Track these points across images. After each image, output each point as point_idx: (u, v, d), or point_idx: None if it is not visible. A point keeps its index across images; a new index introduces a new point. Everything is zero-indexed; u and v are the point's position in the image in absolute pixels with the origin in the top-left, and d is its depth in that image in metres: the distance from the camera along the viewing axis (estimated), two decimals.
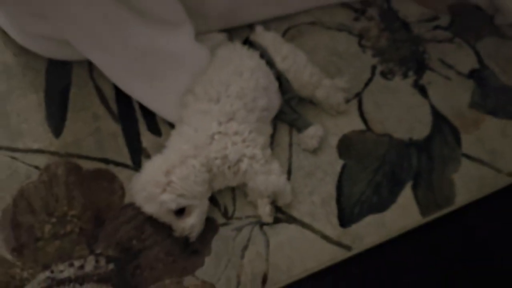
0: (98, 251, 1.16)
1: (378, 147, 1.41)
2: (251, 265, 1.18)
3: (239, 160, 1.20)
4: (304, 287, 1.20)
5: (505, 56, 1.66)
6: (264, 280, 1.17)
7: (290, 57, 1.38)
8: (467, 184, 1.38)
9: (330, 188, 1.32)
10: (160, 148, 1.25)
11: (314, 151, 1.37)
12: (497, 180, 1.40)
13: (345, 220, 1.28)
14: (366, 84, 1.54)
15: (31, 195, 1.20)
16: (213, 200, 1.25)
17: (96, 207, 1.21)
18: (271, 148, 1.33)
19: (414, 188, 1.35)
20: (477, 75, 1.61)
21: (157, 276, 1.14)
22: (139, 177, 1.16)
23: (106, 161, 1.28)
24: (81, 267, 1.13)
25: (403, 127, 1.46)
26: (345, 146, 1.40)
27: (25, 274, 1.11)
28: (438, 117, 1.49)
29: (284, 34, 1.60)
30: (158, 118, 1.37)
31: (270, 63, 1.35)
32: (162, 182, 1.11)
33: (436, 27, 1.72)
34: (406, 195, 1.34)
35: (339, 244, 1.24)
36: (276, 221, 1.25)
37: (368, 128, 1.44)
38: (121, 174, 1.27)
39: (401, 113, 1.49)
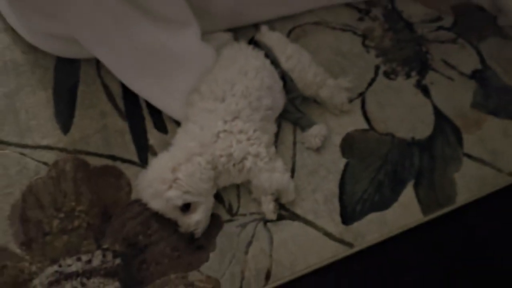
0: (105, 246, 1.18)
1: (381, 146, 1.42)
2: (255, 261, 1.20)
3: (243, 158, 1.21)
4: (306, 283, 1.22)
5: (508, 56, 1.67)
6: (268, 276, 1.19)
7: (294, 57, 1.39)
8: (468, 184, 1.39)
9: (333, 186, 1.34)
10: (166, 145, 1.26)
11: (318, 150, 1.38)
12: (498, 179, 1.41)
13: (347, 217, 1.30)
14: (370, 84, 1.55)
15: (40, 191, 1.22)
16: (218, 197, 1.26)
17: (103, 203, 1.23)
18: (275, 146, 1.34)
19: (416, 187, 1.37)
20: (480, 76, 1.62)
21: (162, 271, 1.16)
22: (145, 173, 1.18)
23: (113, 157, 1.29)
24: (89, 261, 1.15)
25: (405, 127, 1.47)
26: (348, 145, 1.41)
27: (33, 268, 1.13)
28: (440, 117, 1.50)
29: (288, 34, 1.61)
30: (165, 116, 1.38)
31: (275, 63, 1.36)
32: (168, 179, 1.13)
33: (439, 28, 1.73)
34: (408, 194, 1.35)
35: (341, 241, 1.26)
36: (280, 218, 1.27)
37: (371, 128, 1.45)
38: (128, 170, 1.28)
39: (403, 112, 1.50)
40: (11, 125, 1.30)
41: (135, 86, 1.34)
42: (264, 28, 1.50)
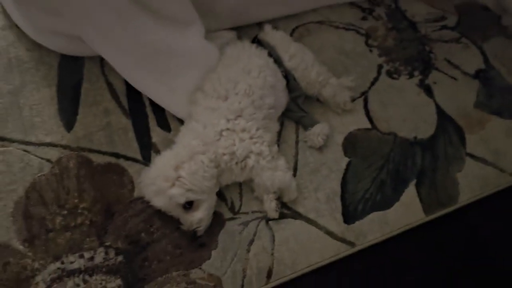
0: (107, 243, 1.18)
1: (383, 146, 1.43)
2: (256, 259, 1.20)
3: (246, 156, 1.21)
4: (308, 282, 1.22)
5: None
6: (269, 274, 1.19)
7: (297, 56, 1.40)
8: (471, 183, 1.39)
9: (335, 185, 1.34)
10: (169, 143, 1.27)
11: (320, 149, 1.38)
12: (500, 179, 1.41)
13: (349, 216, 1.30)
14: (372, 83, 1.55)
15: (43, 188, 1.22)
16: (220, 195, 1.26)
17: (106, 200, 1.23)
18: (278, 145, 1.34)
19: (418, 186, 1.37)
20: (483, 75, 1.62)
21: (164, 269, 1.16)
22: (148, 171, 1.18)
23: (116, 155, 1.30)
24: (91, 258, 1.16)
25: (408, 126, 1.47)
26: (351, 144, 1.41)
27: (36, 265, 1.13)
28: (443, 117, 1.51)
29: (292, 33, 1.61)
30: (168, 114, 1.38)
31: (278, 62, 1.37)
32: (171, 177, 1.13)
33: (443, 27, 1.73)
34: (410, 193, 1.36)
35: (343, 240, 1.26)
36: (282, 216, 1.27)
37: (374, 127, 1.45)
38: (131, 168, 1.28)
39: (406, 112, 1.50)
40: (15, 122, 1.30)
41: (139, 84, 1.35)
42: (267, 27, 1.50)
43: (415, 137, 1.45)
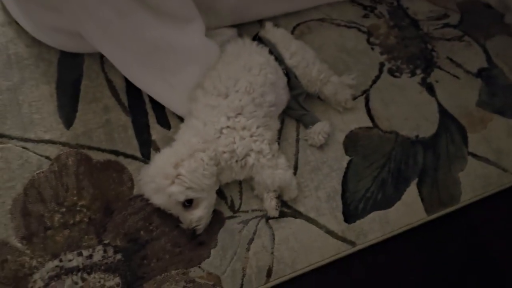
0: (106, 241, 1.17)
1: (385, 144, 1.42)
2: (256, 258, 1.20)
3: (246, 154, 1.21)
4: (308, 281, 1.21)
5: None
6: (269, 273, 1.18)
7: (298, 54, 1.39)
8: (473, 183, 1.38)
9: (335, 183, 1.33)
10: (169, 141, 1.26)
11: (321, 147, 1.38)
12: (502, 179, 1.41)
13: (350, 215, 1.29)
14: (374, 82, 1.54)
15: (42, 185, 1.22)
16: (220, 193, 1.26)
17: (105, 198, 1.22)
18: (278, 143, 1.33)
19: (420, 185, 1.36)
20: (486, 74, 1.61)
21: (163, 267, 1.16)
22: (148, 169, 1.18)
23: (116, 152, 1.29)
24: (90, 256, 1.15)
25: (409, 125, 1.47)
26: (352, 142, 1.41)
27: (34, 263, 1.13)
28: (445, 115, 1.50)
29: (293, 30, 1.61)
30: (168, 111, 1.38)
31: (279, 59, 1.36)
32: (171, 174, 1.12)
33: (445, 25, 1.73)
34: (411, 193, 1.35)
35: (343, 239, 1.25)
36: (282, 215, 1.26)
37: (375, 125, 1.45)
38: (131, 165, 1.28)
39: (408, 110, 1.49)
40: (14, 118, 1.29)
41: (139, 81, 1.34)
42: (268, 25, 1.49)
43: (417, 136, 1.45)
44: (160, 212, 1.20)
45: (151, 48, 1.25)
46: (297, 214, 1.27)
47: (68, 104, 1.34)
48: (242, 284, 1.16)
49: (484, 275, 1.30)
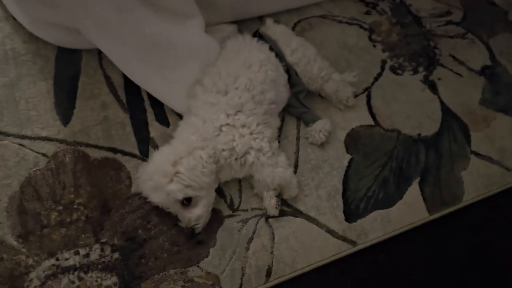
0: (103, 239, 1.16)
1: (386, 143, 1.41)
2: (255, 258, 1.18)
3: (246, 152, 1.20)
4: (308, 281, 1.20)
5: None
6: (269, 273, 1.17)
7: (299, 50, 1.38)
8: (475, 182, 1.37)
9: (336, 182, 1.32)
10: (168, 138, 1.25)
11: (322, 145, 1.37)
12: (506, 178, 1.40)
13: (350, 215, 1.28)
14: (376, 79, 1.53)
15: (38, 183, 1.20)
16: (219, 191, 1.25)
17: (103, 196, 1.21)
18: (278, 141, 1.32)
19: (422, 184, 1.35)
20: (489, 72, 1.60)
21: (161, 266, 1.15)
22: (146, 166, 1.16)
23: (113, 150, 1.28)
24: (87, 255, 1.14)
25: (411, 123, 1.45)
26: (353, 140, 1.39)
27: (30, 261, 1.12)
28: (448, 114, 1.49)
29: (294, 27, 1.60)
30: (166, 108, 1.36)
31: (280, 56, 1.35)
32: (169, 172, 1.11)
33: (448, 22, 1.71)
34: (413, 192, 1.34)
35: (344, 238, 1.24)
36: (282, 214, 1.25)
37: (377, 123, 1.44)
38: (129, 163, 1.27)
39: (410, 108, 1.48)
40: (11, 115, 1.28)
41: (137, 78, 1.33)
42: (269, 21, 1.47)
43: (419, 134, 1.44)
44: (158, 210, 1.19)
45: (151, 45, 1.24)
46: (297, 213, 1.26)
47: (65, 101, 1.33)
48: (241, 284, 1.15)
49: (486, 275, 1.29)
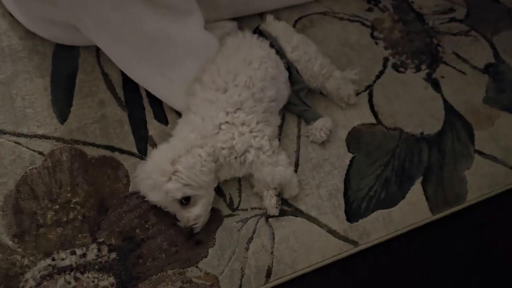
0: (100, 239, 1.15)
1: (388, 141, 1.39)
2: (255, 258, 1.17)
3: (246, 151, 1.18)
4: (308, 282, 1.19)
5: None
6: (268, 273, 1.16)
7: (300, 47, 1.36)
8: (479, 181, 1.36)
9: (337, 181, 1.31)
10: (166, 136, 1.24)
11: (323, 144, 1.35)
12: (510, 178, 1.39)
13: (352, 214, 1.27)
14: (378, 77, 1.52)
15: (34, 181, 1.19)
16: (218, 190, 1.24)
17: (100, 195, 1.20)
18: (279, 139, 1.31)
19: (424, 184, 1.34)
20: (493, 70, 1.59)
21: (159, 266, 1.13)
22: (144, 165, 1.15)
23: (111, 148, 1.27)
24: (83, 255, 1.13)
25: (414, 121, 1.44)
26: (355, 139, 1.38)
27: (25, 261, 1.10)
28: (451, 112, 1.48)
29: (295, 24, 1.58)
30: (165, 106, 1.35)
31: (280, 53, 1.33)
32: (167, 171, 1.10)
33: (452, 19, 1.71)
34: (416, 191, 1.33)
35: (345, 239, 1.23)
36: (282, 213, 1.24)
37: (379, 122, 1.42)
38: (127, 162, 1.25)
39: (412, 107, 1.47)
40: (7, 113, 1.27)
41: (136, 75, 1.32)
42: (269, 18, 1.46)
43: (422, 133, 1.43)
44: (156, 210, 1.18)
45: (150, 42, 1.23)
46: (297, 213, 1.25)
47: (62, 98, 1.32)
48: (240, 285, 1.14)
49: (490, 276, 1.28)
